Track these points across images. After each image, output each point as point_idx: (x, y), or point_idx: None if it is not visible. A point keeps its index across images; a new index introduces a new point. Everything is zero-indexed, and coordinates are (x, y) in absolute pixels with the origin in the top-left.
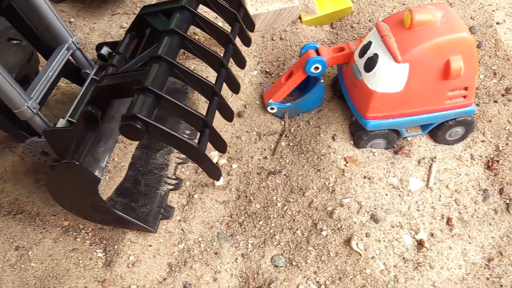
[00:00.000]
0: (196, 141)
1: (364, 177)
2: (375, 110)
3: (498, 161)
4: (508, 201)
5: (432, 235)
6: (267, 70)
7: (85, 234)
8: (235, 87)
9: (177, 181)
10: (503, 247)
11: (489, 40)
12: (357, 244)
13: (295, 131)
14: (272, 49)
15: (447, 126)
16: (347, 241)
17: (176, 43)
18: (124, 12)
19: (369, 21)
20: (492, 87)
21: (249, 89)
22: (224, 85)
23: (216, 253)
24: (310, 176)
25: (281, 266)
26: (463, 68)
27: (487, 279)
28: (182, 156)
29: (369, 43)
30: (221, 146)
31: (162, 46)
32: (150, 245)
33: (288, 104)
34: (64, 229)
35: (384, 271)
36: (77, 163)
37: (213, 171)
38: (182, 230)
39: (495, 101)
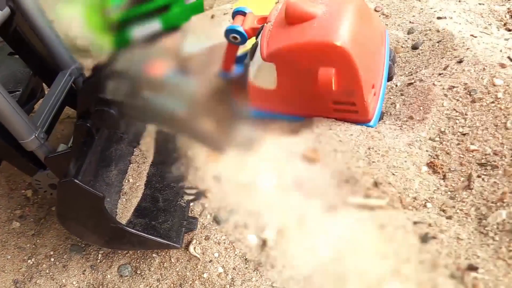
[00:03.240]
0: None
1: (214, 177)
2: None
3: None
4: None
5: (281, 232)
6: None
7: None
8: None
9: (197, 190)
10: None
11: None
12: (194, 248)
13: None
14: None
15: None
16: (188, 246)
17: None
18: None
19: None
20: None
21: None
22: None
23: (64, 266)
24: None
25: (126, 276)
26: (333, 83)
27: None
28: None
29: (264, 26)
30: None
31: None
32: None
33: None
34: None
35: (222, 274)
36: (75, 180)
37: None
38: (35, 244)
39: None
